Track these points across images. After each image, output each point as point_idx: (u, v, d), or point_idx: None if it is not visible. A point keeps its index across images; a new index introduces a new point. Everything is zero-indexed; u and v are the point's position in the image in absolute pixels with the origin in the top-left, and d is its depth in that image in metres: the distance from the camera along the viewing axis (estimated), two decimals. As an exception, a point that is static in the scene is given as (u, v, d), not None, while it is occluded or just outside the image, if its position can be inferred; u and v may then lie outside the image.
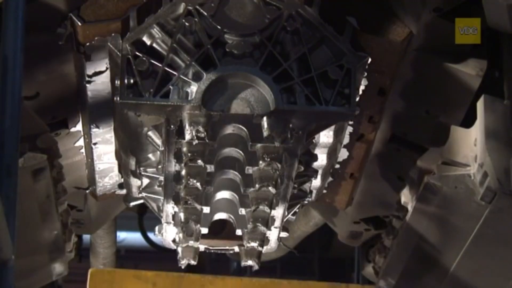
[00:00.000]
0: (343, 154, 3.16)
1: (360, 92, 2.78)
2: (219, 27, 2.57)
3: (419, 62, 2.76)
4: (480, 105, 2.54)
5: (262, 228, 2.85)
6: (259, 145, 2.62)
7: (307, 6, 2.63)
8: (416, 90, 2.86)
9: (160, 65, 2.55)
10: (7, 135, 2.09)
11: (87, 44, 2.67)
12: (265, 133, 2.53)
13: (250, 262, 3.08)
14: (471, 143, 2.55)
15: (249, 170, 2.71)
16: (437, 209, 2.69)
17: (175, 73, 2.55)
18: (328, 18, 2.65)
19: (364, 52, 2.65)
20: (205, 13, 2.58)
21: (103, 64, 2.75)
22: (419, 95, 2.87)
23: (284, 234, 3.14)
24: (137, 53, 2.56)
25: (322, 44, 2.64)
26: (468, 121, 2.65)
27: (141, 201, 3.25)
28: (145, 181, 3.08)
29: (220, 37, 2.58)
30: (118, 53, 2.58)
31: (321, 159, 3.06)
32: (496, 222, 2.60)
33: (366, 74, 2.74)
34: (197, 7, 2.59)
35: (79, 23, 2.63)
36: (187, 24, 2.58)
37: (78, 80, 2.85)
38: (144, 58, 2.55)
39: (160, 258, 6.05)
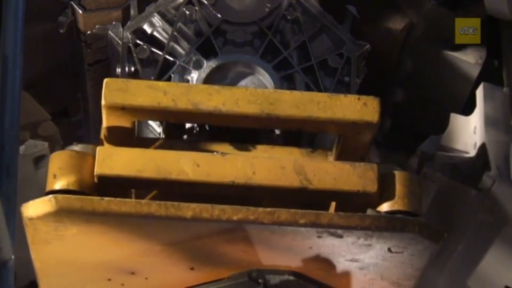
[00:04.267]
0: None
1: (360, 81, 2.79)
2: (219, 15, 2.59)
3: (418, 51, 2.77)
4: (479, 92, 2.54)
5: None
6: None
7: (307, -5, 2.65)
8: (416, 79, 2.87)
9: (161, 53, 2.56)
10: (7, 135, 2.06)
11: (88, 32, 2.68)
12: (266, 121, 2.54)
13: None
14: (470, 131, 2.55)
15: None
16: (436, 197, 2.69)
17: (176, 61, 2.56)
18: (328, 7, 2.66)
19: (364, 41, 2.66)
20: (206, 2, 2.60)
21: (103, 53, 2.76)
22: (419, 84, 2.88)
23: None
24: (138, 41, 2.58)
25: (322, 33, 2.65)
26: (468, 109, 2.65)
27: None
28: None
29: (221, 25, 2.59)
30: (119, 41, 2.60)
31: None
32: (495, 210, 2.60)
33: (365, 62, 2.75)
34: (198, -5, 2.60)
35: (80, 11, 2.64)
36: (187, 12, 2.59)
37: (79, 69, 2.86)
38: (145, 47, 2.57)
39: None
